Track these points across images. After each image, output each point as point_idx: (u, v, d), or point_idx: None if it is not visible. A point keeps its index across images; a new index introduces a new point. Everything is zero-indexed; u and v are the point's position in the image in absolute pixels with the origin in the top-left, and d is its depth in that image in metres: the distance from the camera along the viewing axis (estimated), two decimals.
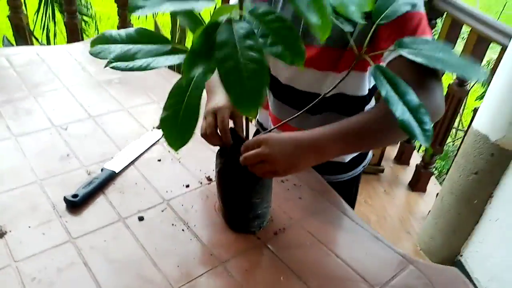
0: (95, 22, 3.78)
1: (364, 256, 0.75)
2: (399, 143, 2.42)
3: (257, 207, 0.75)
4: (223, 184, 0.76)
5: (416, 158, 2.38)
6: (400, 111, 0.54)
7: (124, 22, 2.09)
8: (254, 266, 0.71)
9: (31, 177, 0.84)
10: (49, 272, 0.65)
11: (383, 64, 0.76)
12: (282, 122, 0.80)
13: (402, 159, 2.39)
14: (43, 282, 0.64)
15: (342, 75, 0.86)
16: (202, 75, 0.44)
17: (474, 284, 1.58)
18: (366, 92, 0.91)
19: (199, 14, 0.56)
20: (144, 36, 0.58)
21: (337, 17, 0.65)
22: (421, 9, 0.75)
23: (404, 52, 0.60)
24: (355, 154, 1.03)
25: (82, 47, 1.44)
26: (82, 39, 2.16)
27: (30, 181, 0.83)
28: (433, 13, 2.03)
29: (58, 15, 3.04)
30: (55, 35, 3.02)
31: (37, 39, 2.36)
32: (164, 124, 0.50)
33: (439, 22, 2.11)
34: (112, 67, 0.56)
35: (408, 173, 2.32)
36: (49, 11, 3.01)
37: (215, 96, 0.81)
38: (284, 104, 0.97)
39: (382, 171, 2.29)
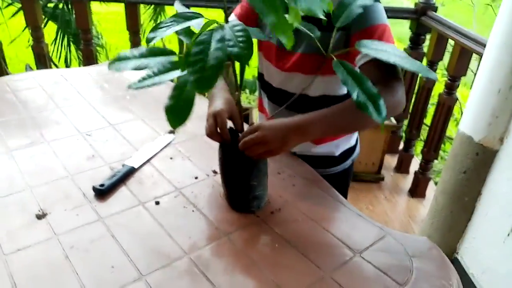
0: (106, 51, 4.05)
1: (348, 229, 0.87)
2: (398, 154, 2.54)
3: (255, 189, 0.88)
4: (225, 170, 0.90)
5: (415, 167, 2.49)
6: (356, 93, 0.68)
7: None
8: (254, 237, 0.84)
9: (63, 173, 0.99)
10: (84, 242, 0.79)
11: (356, 67, 0.91)
12: (271, 115, 0.97)
13: (402, 168, 2.50)
14: (80, 249, 0.77)
15: (327, 77, 1.01)
16: (192, 71, 0.58)
17: (470, 280, 1.66)
18: (346, 91, 1.05)
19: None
20: (153, 52, 0.71)
21: (307, 25, 0.81)
22: (384, 21, 0.90)
23: (364, 50, 0.74)
24: (344, 148, 1.16)
25: (98, 69, 1.62)
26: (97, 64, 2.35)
27: (63, 175, 0.98)
28: (421, 28, 2.20)
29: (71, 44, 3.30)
30: (70, 61, 3.26)
31: (56, 65, 2.57)
32: (168, 110, 0.63)
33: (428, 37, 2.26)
34: (135, 88, 0.66)
35: (408, 181, 2.42)
36: (65, 41, 3.27)
37: (214, 102, 0.94)
38: (278, 106, 1.11)
39: (383, 179, 2.39)
